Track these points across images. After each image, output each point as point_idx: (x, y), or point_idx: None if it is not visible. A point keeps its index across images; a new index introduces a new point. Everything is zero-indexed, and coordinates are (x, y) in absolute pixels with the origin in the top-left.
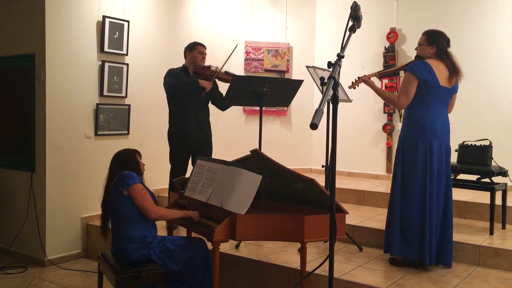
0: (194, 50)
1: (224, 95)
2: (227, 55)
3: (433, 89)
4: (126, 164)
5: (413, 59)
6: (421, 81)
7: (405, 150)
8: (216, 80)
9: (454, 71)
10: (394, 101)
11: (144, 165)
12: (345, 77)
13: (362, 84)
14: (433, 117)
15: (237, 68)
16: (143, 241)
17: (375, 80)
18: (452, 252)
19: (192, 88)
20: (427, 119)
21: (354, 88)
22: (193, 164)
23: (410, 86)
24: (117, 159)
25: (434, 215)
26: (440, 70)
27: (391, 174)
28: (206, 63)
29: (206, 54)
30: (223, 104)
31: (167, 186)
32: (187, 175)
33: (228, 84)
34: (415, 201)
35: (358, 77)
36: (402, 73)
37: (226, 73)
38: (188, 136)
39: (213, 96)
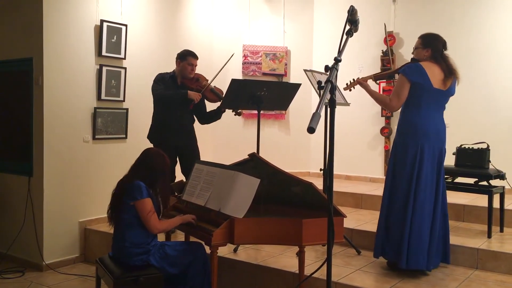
0: (185, 60)
1: (208, 112)
2: (224, 61)
3: (425, 92)
4: (151, 174)
5: (409, 62)
6: (413, 84)
7: (397, 152)
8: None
9: (449, 73)
10: (386, 102)
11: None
12: (343, 81)
13: (360, 88)
14: (425, 120)
15: (235, 72)
16: (144, 247)
17: (371, 83)
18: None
19: (181, 100)
20: (419, 121)
21: (350, 90)
22: (182, 170)
23: (402, 89)
24: (146, 163)
25: (426, 219)
26: (434, 73)
27: None
28: (202, 70)
29: (196, 65)
30: (206, 119)
31: None
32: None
33: (212, 104)
34: (399, 204)
35: (354, 79)
36: (397, 75)
37: (212, 91)
38: (172, 142)
39: (198, 109)
